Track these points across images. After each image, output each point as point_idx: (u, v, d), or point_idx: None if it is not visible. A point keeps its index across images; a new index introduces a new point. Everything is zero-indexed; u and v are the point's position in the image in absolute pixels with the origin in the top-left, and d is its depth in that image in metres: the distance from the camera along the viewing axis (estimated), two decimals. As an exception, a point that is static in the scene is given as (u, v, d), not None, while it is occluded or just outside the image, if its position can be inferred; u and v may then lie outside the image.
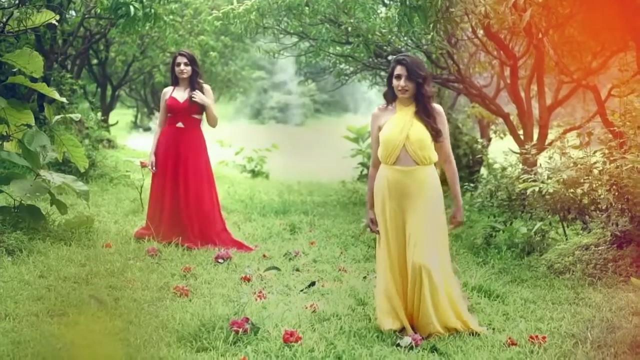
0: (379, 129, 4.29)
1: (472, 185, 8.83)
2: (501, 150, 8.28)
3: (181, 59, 6.49)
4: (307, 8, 8.08)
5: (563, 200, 5.95)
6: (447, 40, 8.27)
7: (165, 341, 3.84)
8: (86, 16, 8.95)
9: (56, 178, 5.92)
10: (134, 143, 15.25)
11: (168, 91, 6.60)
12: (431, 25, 7.10)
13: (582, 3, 6.27)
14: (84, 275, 5.07)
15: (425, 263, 4.07)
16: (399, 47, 8.45)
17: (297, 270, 5.80)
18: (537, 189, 5.91)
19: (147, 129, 18.40)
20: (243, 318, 4.04)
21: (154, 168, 6.56)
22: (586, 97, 9.80)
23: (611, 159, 5.69)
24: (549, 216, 6.53)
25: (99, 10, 7.70)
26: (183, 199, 6.48)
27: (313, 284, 5.28)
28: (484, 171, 10.91)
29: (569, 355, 3.87)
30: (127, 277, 5.10)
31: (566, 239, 6.26)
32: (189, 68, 6.48)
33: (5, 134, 5.85)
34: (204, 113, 6.55)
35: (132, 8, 6.88)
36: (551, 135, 8.21)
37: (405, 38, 8.44)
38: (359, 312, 4.59)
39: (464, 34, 8.63)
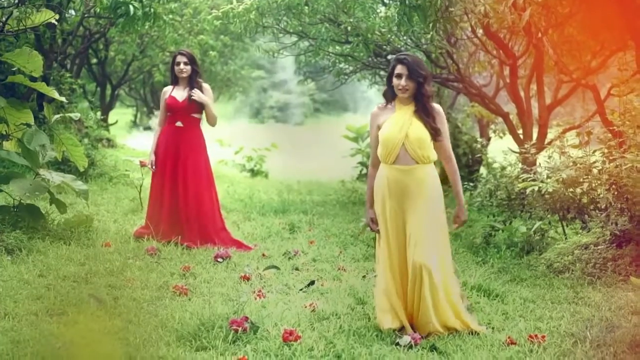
0: (378, 128, 4.29)
1: (471, 184, 8.84)
2: (500, 149, 8.28)
3: (181, 58, 6.49)
4: (306, 7, 8.08)
5: (562, 199, 5.95)
6: (447, 40, 8.27)
7: (165, 340, 3.84)
8: (86, 15, 8.94)
9: (55, 177, 5.92)
10: (134, 142, 15.25)
11: (168, 90, 6.61)
12: (430, 25, 7.10)
13: (581, 2, 6.27)
14: (84, 274, 5.07)
15: (426, 262, 4.07)
16: (399, 46, 8.45)
17: (297, 269, 5.80)
18: (536, 188, 5.91)
19: (147, 128, 18.40)
20: (242, 317, 4.04)
21: (153, 167, 6.56)
22: (585, 97, 9.80)
23: (610, 158, 5.69)
24: (549, 215, 6.53)
25: (98, 10, 7.69)
26: (182, 198, 6.48)
27: (312, 283, 5.28)
28: (483, 170, 10.90)
29: (568, 354, 3.87)
30: (126, 276, 5.10)
31: (565, 238, 6.26)
32: (188, 67, 6.48)
33: (4, 133, 5.85)
34: (204, 112, 6.55)
35: (131, 7, 6.87)
36: (550, 134, 8.21)
37: (405, 37, 8.44)
38: (358, 311, 4.59)
39: (464, 33, 8.63)
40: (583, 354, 3.86)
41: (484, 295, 5.01)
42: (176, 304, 4.56)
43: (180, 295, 4.78)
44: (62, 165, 7.96)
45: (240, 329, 3.93)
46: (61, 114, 6.82)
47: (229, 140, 16.19)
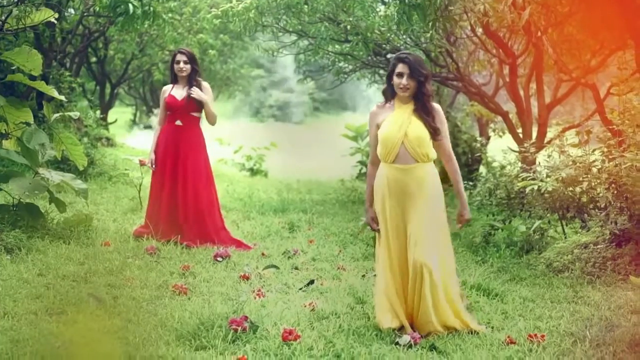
0: (378, 126, 4.29)
1: (471, 183, 8.83)
2: (500, 148, 8.27)
3: (180, 57, 6.48)
4: (306, 6, 8.08)
5: (562, 198, 5.95)
6: (446, 39, 8.27)
7: (164, 339, 3.83)
8: (85, 14, 8.93)
9: (55, 176, 5.92)
10: (133, 141, 15.24)
11: (167, 89, 6.60)
12: (430, 24, 7.09)
13: (581, 1, 6.27)
14: (83, 273, 5.07)
15: (427, 261, 4.07)
16: (398, 45, 8.45)
17: (296, 268, 5.80)
18: (536, 187, 5.91)
19: (147, 127, 18.39)
20: (242, 316, 4.03)
21: (153, 166, 6.56)
22: (585, 96, 9.80)
23: (610, 157, 5.69)
24: (548, 214, 6.53)
25: (97, 8, 7.70)
26: (182, 197, 6.48)
27: (312, 282, 5.28)
28: (482, 169, 10.89)
29: (567, 353, 3.87)
30: (125, 275, 5.09)
31: (565, 238, 6.26)
32: (188, 66, 6.48)
33: (4, 131, 5.85)
34: (203, 111, 6.55)
35: (130, 6, 6.86)
36: (550, 133, 8.21)
37: (404, 36, 8.44)
38: (357, 311, 4.59)
39: (463, 32, 8.62)
40: (582, 353, 3.86)
41: (483, 295, 5.01)
42: (176, 303, 4.56)
43: (180, 295, 4.77)
44: (62, 164, 7.95)
45: (239, 328, 3.93)
46: (60, 113, 6.81)
47: (229, 139, 16.19)
